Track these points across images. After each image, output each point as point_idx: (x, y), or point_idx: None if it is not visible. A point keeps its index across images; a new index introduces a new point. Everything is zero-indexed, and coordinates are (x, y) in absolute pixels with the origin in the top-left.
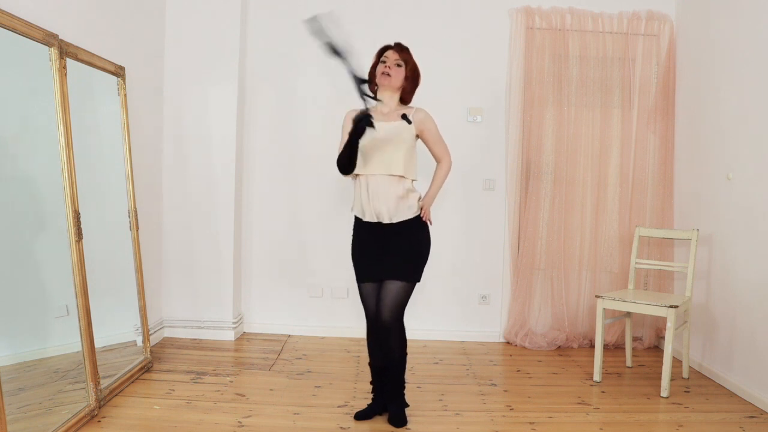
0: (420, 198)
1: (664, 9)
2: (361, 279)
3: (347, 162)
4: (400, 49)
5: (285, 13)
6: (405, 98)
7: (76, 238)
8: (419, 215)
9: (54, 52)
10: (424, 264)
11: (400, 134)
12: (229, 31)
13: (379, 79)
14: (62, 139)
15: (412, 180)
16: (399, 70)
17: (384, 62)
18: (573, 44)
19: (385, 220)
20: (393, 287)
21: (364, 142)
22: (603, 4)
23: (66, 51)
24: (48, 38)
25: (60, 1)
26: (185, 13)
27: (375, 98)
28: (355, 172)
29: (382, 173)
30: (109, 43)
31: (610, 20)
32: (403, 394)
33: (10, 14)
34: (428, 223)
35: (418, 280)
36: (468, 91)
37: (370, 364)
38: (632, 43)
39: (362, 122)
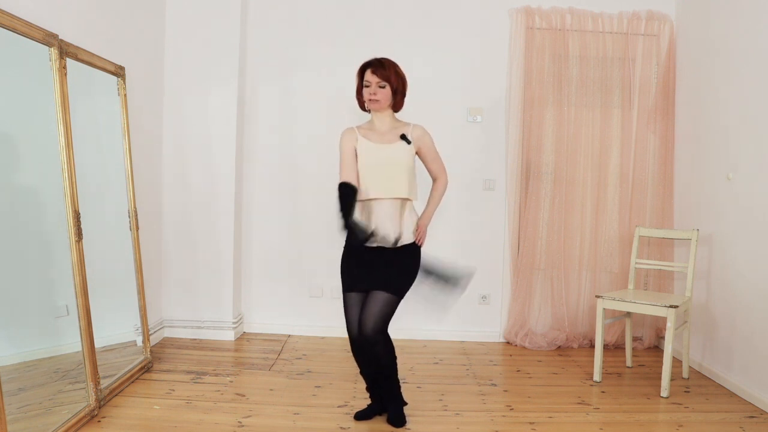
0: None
1: (664, 9)
2: (348, 288)
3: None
4: (379, 68)
5: (285, 13)
6: (396, 107)
7: (76, 238)
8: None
9: (54, 52)
10: (411, 283)
11: (401, 156)
12: (229, 31)
13: (368, 105)
14: (62, 139)
15: (413, 201)
16: (384, 91)
17: (367, 86)
18: (573, 44)
19: (391, 245)
20: (380, 298)
21: (366, 163)
22: (603, 4)
23: (66, 51)
24: (48, 38)
25: (60, 1)
26: (185, 13)
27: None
28: (362, 198)
29: (387, 197)
30: (109, 43)
31: (610, 20)
32: (401, 394)
33: (10, 14)
34: (420, 244)
35: (402, 297)
36: (468, 91)
37: (361, 373)
38: (632, 43)
39: (359, 238)
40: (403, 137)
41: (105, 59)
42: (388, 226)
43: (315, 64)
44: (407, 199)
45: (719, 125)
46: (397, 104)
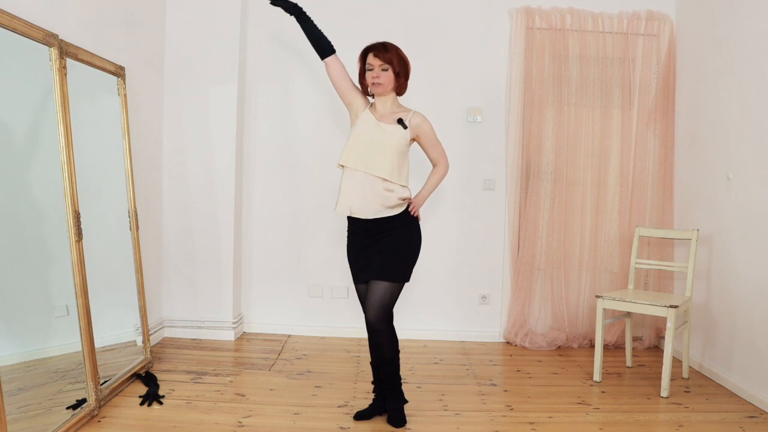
0: (406, 198)
1: (664, 9)
2: (354, 280)
3: (314, 44)
4: (382, 51)
5: (285, 12)
6: (400, 90)
7: (76, 238)
8: (404, 213)
9: (54, 52)
10: (412, 264)
11: (391, 138)
12: (229, 31)
13: (371, 89)
14: (62, 139)
15: (401, 186)
16: (386, 74)
17: (370, 70)
18: (573, 44)
19: (356, 215)
20: (378, 287)
21: (358, 134)
22: (603, 4)
23: (66, 51)
24: (48, 38)
25: (60, 1)
26: (185, 13)
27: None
28: (341, 162)
29: (364, 171)
30: (109, 43)
31: (610, 20)
32: (401, 391)
33: (10, 14)
34: (418, 219)
35: (406, 281)
36: (468, 91)
37: (372, 363)
38: (632, 43)
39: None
40: (400, 121)
41: (105, 59)
42: (359, 198)
43: (315, 64)
44: (386, 180)
45: (719, 125)
46: (400, 87)
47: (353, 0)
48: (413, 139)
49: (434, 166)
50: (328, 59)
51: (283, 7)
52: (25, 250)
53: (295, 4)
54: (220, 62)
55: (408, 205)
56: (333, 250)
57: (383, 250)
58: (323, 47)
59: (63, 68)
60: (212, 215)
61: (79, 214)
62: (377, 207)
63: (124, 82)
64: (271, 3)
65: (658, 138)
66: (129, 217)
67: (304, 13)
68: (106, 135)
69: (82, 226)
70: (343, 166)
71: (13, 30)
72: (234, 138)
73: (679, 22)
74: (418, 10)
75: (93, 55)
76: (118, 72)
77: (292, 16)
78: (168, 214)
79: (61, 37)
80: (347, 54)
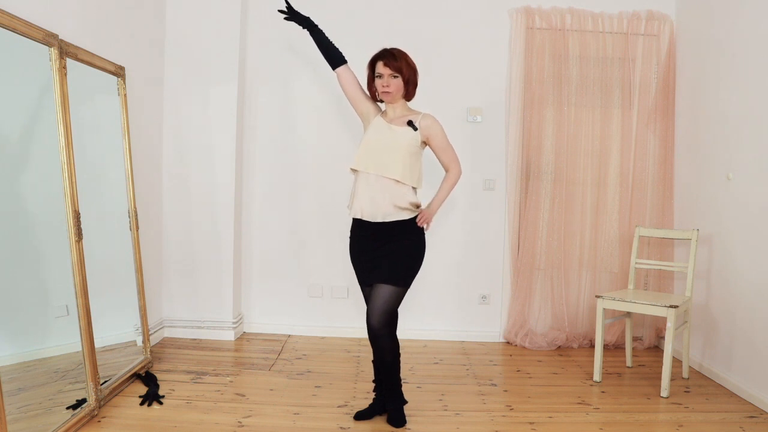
0: (417, 205)
1: (664, 9)
2: (360, 282)
3: (325, 55)
4: (391, 60)
5: (299, 26)
6: (408, 97)
7: (76, 238)
8: (412, 219)
9: (54, 52)
10: (416, 271)
11: (401, 140)
12: (229, 32)
13: (381, 96)
14: (62, 139)
15: (413, 187)
16: (396, 82)
17: (380, 77)
18: (573, 44)
19: (366, 218)
20: (381, 291)
21: (369, 138)
22: (603, 4)
23: (66, 51)
24: (48, 38)
25: (60, 1)
26: (185, 13)
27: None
28: (353, 167)
29: (376, 173)
30: (109, 43)
31: (610, 20)
32: (401, 392)
33: (10, 14)
34: (424, 228)
35: (408, 286)
36: (468, 91)
37: (374, 362)
38: (632, 43)
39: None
40: (410, 123)
41: (105, 59)
42: (370, 200)
43: (315, 64)
44: (399, 182)
45: (719, 125)
46: (408, 94)
47: (352, 0)
48: (424, 142)
49: (446, 171)
50: (340, 69)
51: (297, 21)
52: (25, 250)
53: (308, 18)
54: (220, 62)
55: (417, 214)
56: (333, 250)
57: (390, 254)
58: (334, 58)
59: (63, 68)
60: (212, 215)
61: (79, 214)
62: (388, 209)
63: (124, 82)
64: (285, 18)
65: (658, 138)
66: (129, 217)
67: (316, 26)
68: (106, 135)
69: (82, 226)
70: (355, 171)
71: (13, 30)
72: (234, 138)
73: (679, 22)
74: (418, 10)
75: (93, 55)
76: (118, 72)
77: (305, 29)
78: (168, 214)
79: (61, 37)
80: (347, 53)
